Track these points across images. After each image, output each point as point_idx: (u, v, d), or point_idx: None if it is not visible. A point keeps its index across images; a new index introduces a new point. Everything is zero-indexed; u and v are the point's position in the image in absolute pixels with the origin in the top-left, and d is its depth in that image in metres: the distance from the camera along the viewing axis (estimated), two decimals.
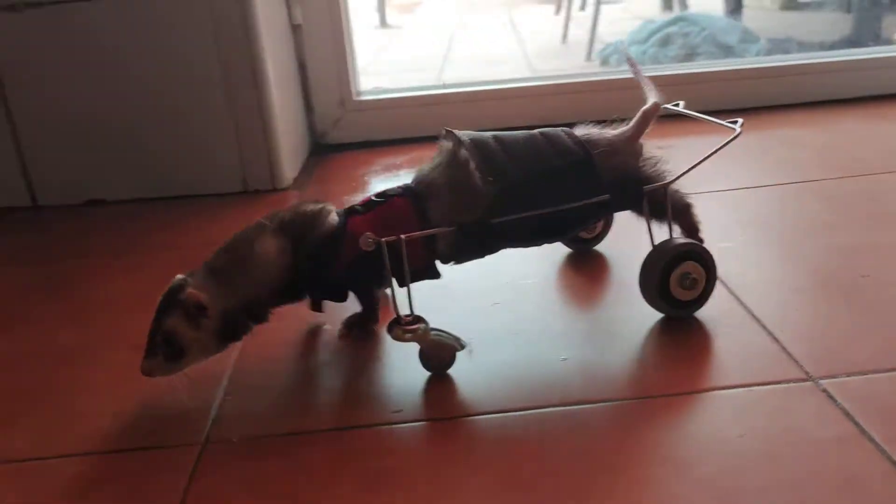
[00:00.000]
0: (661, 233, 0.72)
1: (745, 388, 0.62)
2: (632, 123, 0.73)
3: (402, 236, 0.64)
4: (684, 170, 0.71)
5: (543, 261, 0.87)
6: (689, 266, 0.70)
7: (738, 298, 0.75)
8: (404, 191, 0.69)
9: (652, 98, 0.74)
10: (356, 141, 1.38)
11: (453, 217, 0.66)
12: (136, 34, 1.13)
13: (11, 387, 0.72)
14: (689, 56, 1.93)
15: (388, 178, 1.21)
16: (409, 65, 2.40)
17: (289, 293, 0.69)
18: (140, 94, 1.15)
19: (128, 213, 1.16)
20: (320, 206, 0.70)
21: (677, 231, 0.74)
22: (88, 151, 1.17)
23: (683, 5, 2.68)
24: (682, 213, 0.74)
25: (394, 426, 0.62)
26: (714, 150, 0.71)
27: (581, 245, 0.87)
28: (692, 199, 0.75)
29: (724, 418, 0.59)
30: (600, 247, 0.88)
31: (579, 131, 0.72)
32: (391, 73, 2.21)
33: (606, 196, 0.68)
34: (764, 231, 0.92)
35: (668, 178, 0.71)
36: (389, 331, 0.66)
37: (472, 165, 0.66)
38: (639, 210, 0.71)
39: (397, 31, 3.42)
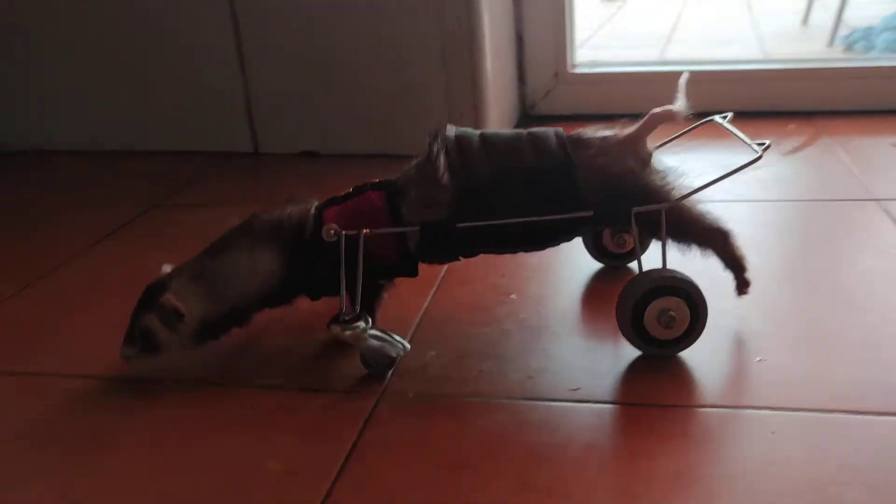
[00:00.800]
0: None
1: None
2: (636, 125, 0.63)
3: (364, 231, 0.61)
4: (689, 191, 0.62)
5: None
6: (670, 302, 0.61)
7: None
8: (382, 184, 0.65)
9: (677, 103, 0.64)
10: (565, 114, 1.35)
11: (420, 215, 0.62)
12: None
13: None
14: None
15: None
16: (630, 40, 2.32)
17: (278, 299, 0.66)
18: (364, 46, 1.18)
19: (338, 166, 1.20)
20: (305, 205, 0.66)
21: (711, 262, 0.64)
22: (309, 102, 1.23)
23: None
24: (714, 242, 0.64)
25: (569, 403, 0.60)
26: (728, 172, 0.61)
27: (612, 260, 0.77)
28: (729, 226, 0.64)
29: None
30: None
31: (583, 132, 0.63)
32: (611, 48, 2.14)
33: (589, 213, 0.60)
34: None
35: (673, 197, 0.61)
36: (328, 326, 0.62)
37: (442, 160, 0.61)
38: (629, 228, 0.62)
39: (622, 5, 3.31)
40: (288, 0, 1.19)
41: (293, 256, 0.64)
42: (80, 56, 1.28)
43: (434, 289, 0.79)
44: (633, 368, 0.64)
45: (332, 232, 0.61)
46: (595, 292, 0.77)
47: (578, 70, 1.37)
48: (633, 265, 0.74)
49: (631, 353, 0.65)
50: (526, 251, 0.66)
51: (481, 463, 0.55)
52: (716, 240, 0.64)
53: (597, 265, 0.79)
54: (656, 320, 0.61)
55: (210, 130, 1.28)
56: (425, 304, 0.76)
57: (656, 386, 0.61)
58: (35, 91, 1.32)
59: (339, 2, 1.17)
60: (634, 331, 0.62)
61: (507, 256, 0.74)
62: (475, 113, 1.18)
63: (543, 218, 0.60)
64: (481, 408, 0.60)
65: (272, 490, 0.54)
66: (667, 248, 0.62)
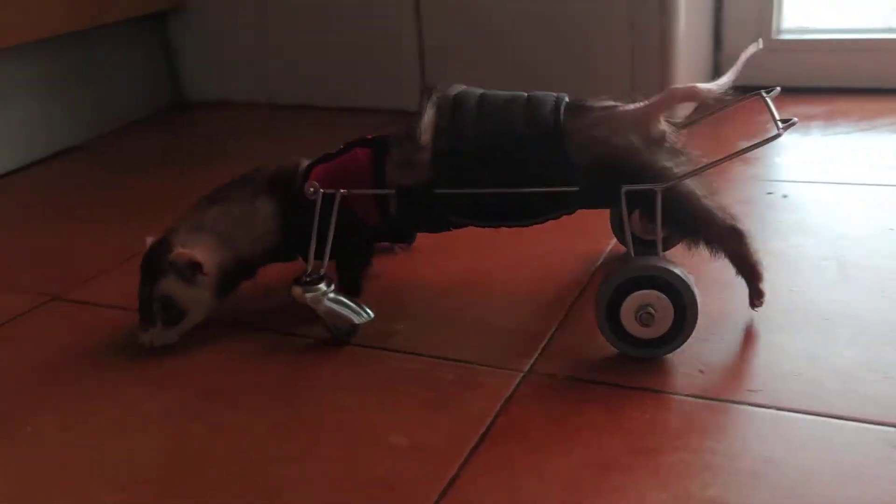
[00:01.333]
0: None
1: None
2: (652, 99, 0.55)
3: (341, 191, 0.58)
4: (687, 171, 0.53)
5: None
6: (651, 296, 0.52)
7: None
8: (371, 141, 0.60)
9: (720, 80, 0.55)
10: (767, 86, 1.20)
11: (399, 176, 0.58)
12: None
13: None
14: None
15: (797, 131, 1.03)
16: (851, 2, 2.06)
17: (281, 252, 0.63)
18: (543, 7, 1.11)
19: None
20: (299, 160, 0.63)
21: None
22: (483, 66, 1.17)
23: None
24: (723, 241, 0.55)
25: (749, 407, 0.51)
26: (737, 151, 0.54)
27: (641, 248, 0.58)
28: (745, 225, 0.56)
29: None
30: None
31: (588, 100, 0.56)
32: (826, 11, 1.91)
33: (574, 188, 0.53)
34: None
35: (671, 179, 0.53)
36: (290, 288, 0.58)
37: (426, 119, 0.57)
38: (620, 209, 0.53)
39: None
40: None
41: (287, 210, 0.61)
42: (261, 14, 1.29)
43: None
44: (825, 372, 0.53)
45: (312, 190, 0.58)
46: None
47: (786, 37, 1.22)
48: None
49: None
50: (508, 226, 0.59)
51: (631, 466, 0.46)
52: (726, 238, 0.56)
53: None
54: (633, 316, 0.53)
55: (383, 89, 1.24)
56: (585, 280, 0.68)
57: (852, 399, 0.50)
58: (219, 47, 1.35)
59: None
60: (609, 325, 0.54)
61: None
62: (661, 75, 1.06)
63: (525, 190, 0.54)
64: (640, 401, 0.52)
65: (393, 466, 0.48)
66: (661, 235, 0.54)
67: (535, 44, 1.13)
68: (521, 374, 0.56)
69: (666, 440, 0.48)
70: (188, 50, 1.38)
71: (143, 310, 0.60)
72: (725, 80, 0.56)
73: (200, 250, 0.60)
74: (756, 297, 0.57)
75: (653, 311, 0.52)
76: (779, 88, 0.59)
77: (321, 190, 0.58)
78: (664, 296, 0.52)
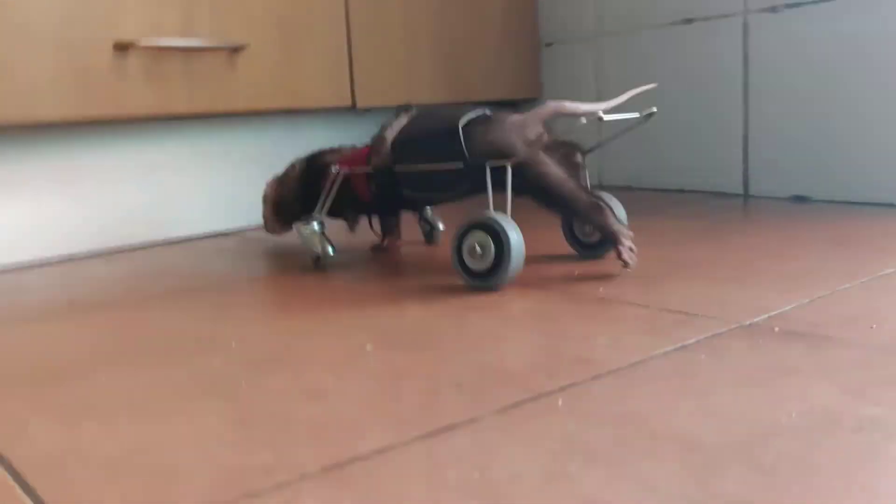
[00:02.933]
0: None
1: None
2: (530, 111, 0.74)
3: (338, 168, 0.82)
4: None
5: None
6: (480, 236, 0.68)
7: None
8: (371, 141, 0.82)
9: (582, 107, 0.73)
10: None
11: (374, 162, 0.80)
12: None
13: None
14: None
15: None
16: None
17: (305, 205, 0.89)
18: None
19: (827, 212, 1.01)
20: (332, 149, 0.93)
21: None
22: (805, 146, 1.11)
23: None
24: (579, 210, 0.71)
25: None
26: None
27: (584, 250, 0.81)
28: (606, 202, 0.73)
29: None
30: None
31: (495, 113, 0.75)
32: None
33: (459, 164, 0.72)
34: None
35: (533, 162, 0.71)
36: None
37: (395, 122, 0.80)
38: (498, 187, 0.71)
39: None
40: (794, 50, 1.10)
41: (307, 178, 0.90)
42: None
43: None
44: None
45: (334, 169, 0.82)
46: None
47: None
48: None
49: None
50: (437, 199, 0.83)
51: None
52: (591, 212, 0.71)
53: None
54: (469, 253, 0.69)
55: (703, 169, 1.25)
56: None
57: None
58: None
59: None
60: (459, 263, 0.70)
61: None
62: None
63: (434, 166, 0.74)
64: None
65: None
66: (510, 199, 0.70)
67: (855, 132, 1.11)
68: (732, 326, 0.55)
69: None
70: None
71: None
72: (599, 105, 0.73)
73: (271, 190, 0.95)
74: (618, 256, 0.70)
75: (480, 249, 0.68)
76: (654, 108, 0.77)
77: (338, 169, 0.82)
78: (489, 237, 0.68)
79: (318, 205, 0.83)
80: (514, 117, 0.73)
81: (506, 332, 0.56)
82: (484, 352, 0.52)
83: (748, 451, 0.36)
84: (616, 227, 0.70)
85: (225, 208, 1.15)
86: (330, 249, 0.83)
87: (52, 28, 0.90)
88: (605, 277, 0.72)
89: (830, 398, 0.41)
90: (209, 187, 1.15)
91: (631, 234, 0.71)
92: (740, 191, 1.21)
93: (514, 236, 0.67)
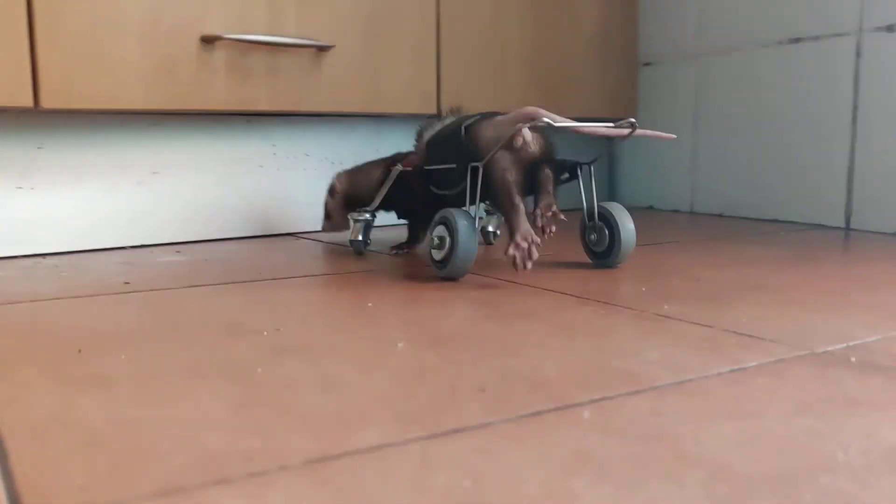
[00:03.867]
0: None
1: None
2: (510, 114, 0.77)
3: (398, 167, 0.89)
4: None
5: None
6: (441, 230, 0.73)
7: None
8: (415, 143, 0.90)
9: (541, 114, 0.73)
10: None
11: (417, 160, 0.87)
12: None
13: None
14: None
15: None
16: None
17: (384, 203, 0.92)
18: None
19: None
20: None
21: None
22: None
23: None
24: (500, 206, 0.75)
25: None
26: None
27: (596, 258, 0.82)
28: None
29: None
30: None
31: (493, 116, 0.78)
32: None
33: (452, 165, 0.78)
34: None
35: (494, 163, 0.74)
36: None
37: (432, 128, 0.85)
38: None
39: None
40: None
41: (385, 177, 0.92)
42: (697, 125, 1.29)
43: None
44: None
45: (397, 168, 0.89)
46: None
47: None
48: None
49: None
50: (450, 191, 0.80)
51: None
52: (500, 203, 0.74)
53: None
54: (432, 242, 0.74)
55: (802, 200, 1.20)
56: None
57: None
58: (651, 157, 1.41)
59: None
60: (430, 254, 0.75)
61: None
62: None
63: (447, 167, 0.79)
64: None
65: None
66: (476, 197, 0.75)
67: None
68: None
69: None
70: (628, 158, 1.47)
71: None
72: (579, 125, 0.74)
73: (341, 183, 0.96)
74: (505, 253, 0.72)
75: (437, 240, 0.73)
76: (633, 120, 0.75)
77: (399, 167, 0.89)
78: (446, 230, 0.72)
79: (375, 199, 0.90)
80: (498, 118, 0.77)
81: (551, 341, 0.52)
82: (520, 357, 0.48)
83: (787, 485, 0.31)
84: (519, 225, 0.71)
85: (300, 210, 1.15)
86: (364, 238, 0.91)
87: (141, 19, 0.92)
88: (673, 295, 0.66)
89: None
90: (286, 187, 1.15)
91: (537, 239, 0.71)
92: (842, 224, 1.12)
93: (465, 231, 0.71)
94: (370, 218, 0.91)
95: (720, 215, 1.29)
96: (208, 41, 0.96)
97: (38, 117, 0.95)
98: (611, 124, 0.74)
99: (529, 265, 0.71)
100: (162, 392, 0.42)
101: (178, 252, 0.96)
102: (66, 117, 0.97)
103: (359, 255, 0.91)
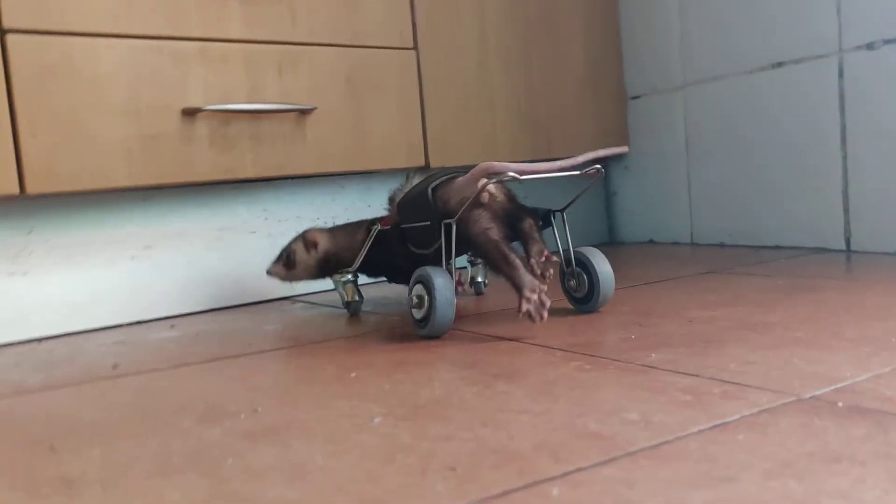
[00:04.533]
0: None
1: None
2: (469, 172, 0.76)
3: (377, 226, 0.89)
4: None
5: None
6: (419, 289, 0.74)
7: None
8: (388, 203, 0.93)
9: (493, 167, 0.73)
10: None
11: (389, 221, 0.89)
12: None
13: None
14: None
15: None
16: None
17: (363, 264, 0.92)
18: None
19: None
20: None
21: None
22: None
23: None
24: (489, 260, 0.76)
25: None
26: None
27: (577, 304, 0.83)
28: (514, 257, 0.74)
29: None
30: None
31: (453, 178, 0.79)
32: None
33: (427, 222, 0.79)
34: None
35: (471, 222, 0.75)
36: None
37: (403, 189, 0.88)
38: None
39: None
40: None
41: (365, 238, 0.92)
42: (692, 158, 1.30)
43: None
44: None
45: (376, 227, 0.89)
46: None
47: None
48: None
49: None
50: (425, 252, 0.81)
51: None
52: (493, 260, 0.74)
53: None
54: (412, 301, 0.75)
55: (800, 224, 1.18)
56: None
57: None
58: (649, 190, 1.38)
59: None
60: (410, 313, 0.75)
61: None
62: None
63: (419, 224, 0.80)
64: None
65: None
66: (450, 252, 0.75)
67: None
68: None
69: None
70: (624, 192, 1.47)
71: (280, 254, 0.98)
72: (532, 166, 0.72)
73: (321, 240, 0.95)
74: (519, 310, 0.71)
75: (416, 299, 0.74)
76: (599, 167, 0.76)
77: (376, 226, 0.90)
78: (424, 290, 0.73)
79: (357, 259, 0.91)
80: (459, 179, 0.77)
81: (530, 405, 0.51)
82: (496, 427, 0.47)
83: None
84: (521, 279, 0.71)
85: None
86: (358, 298, 0.93)
87: (121, 97, 0.93)
88: (663, 341, 0.65)
89: (879, 495, 0.34)
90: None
91: (543, 287, 0.71)
92: (842, 246, 1.11)
93: (443, 290, 0.71)
94: (353, 278, 0.93)
95: (721, 245, 1.28)
96: (189, 114, 0.97)
97: (26, 202, 0.96)
98: (567, 159, 0.73)
99: (545, 314, 0.70)
100: (128, 493, 0.42)
101: (172, 327, 0.96)
102: (54, 199, 0.98)
103: (353, 316, 0.91)
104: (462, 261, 0.98)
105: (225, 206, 1.11)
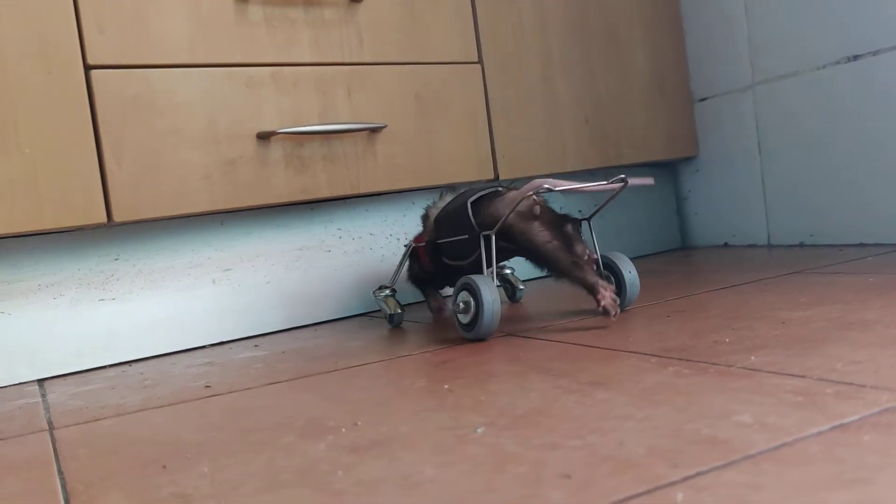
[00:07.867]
0: None
1: None
2: (522, 188, 0.81)
3: (412, 243, 0.98)
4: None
5: None
6: (465, 295, 0.79)
7: None
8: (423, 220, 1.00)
9: (544, 183, 0.78)
10: None
11: (427, 235, 0.96)
12: None
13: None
14: None
15: None
16: None
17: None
18: None
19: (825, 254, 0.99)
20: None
21: None
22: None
23: None
24: (560, 267, 0.82)
25: None
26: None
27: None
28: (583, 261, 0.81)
29: None
30: None
31: (501, 192, 0.86)
32: None
33: (465, 235, 0.86)
34: None
35: (520, 232, 0.82)
36: None
37: (439, 204, 0.95)
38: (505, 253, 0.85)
39: None
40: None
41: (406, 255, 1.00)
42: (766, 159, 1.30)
43: None
44: None
45: (408, 243, 0.99)
46: None
47: None
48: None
49: None
50: (462, 264, 0.88)
51: None
52: (561, 266, 0.81)
53: None
54: (458, 307, 0.80)
55: (882, 220, 1.15)
56: None
57: None
58: (722, 192, 1.38)
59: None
60: (455, 318, 0.82)
61: None
62: None
63: (458, 238, 0.87)
64: None
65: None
66: (492, 261, 0.81)
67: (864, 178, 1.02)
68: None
69: None
70: (695, 195, 1.46)
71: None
72: (579, 185, 0.79)
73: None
74: (598, 306, 0.78)
75: (463, 305, 0.79)
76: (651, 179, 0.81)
77: (411, 244, 0.99)
78: (470, 296, 0.79)
79: (393, 275, 1.00)
80: (510, 194, 0.84)
81: (632, 411, 0.50)
82: (604, 433, 0.46)
83: None
84: (592, 279, 0.79)
85: (369, 288, 1.16)
86: (400, 310, 0.98)
87: (198, 125, 0.95)
88: (759, 344, 0.63)
89: None
90: (355, 268, 1.16)
91: (612, 286, 0.79)
92: None
93: (489, 295, 0.77)
94: (391, 293, 1.00)
95: (801, 245, 1.25)
96: (264, 137, 0.99)
97: (112, 230, 0.99)
98: (605, 181, 0.80)
99: (619, 309, 0.79)
100: None
101: (256, 346, 0.98)
102: (137, 226, 1.01)
103: (396, 326, 0.98)
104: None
105: (301, 226, 1.12)
